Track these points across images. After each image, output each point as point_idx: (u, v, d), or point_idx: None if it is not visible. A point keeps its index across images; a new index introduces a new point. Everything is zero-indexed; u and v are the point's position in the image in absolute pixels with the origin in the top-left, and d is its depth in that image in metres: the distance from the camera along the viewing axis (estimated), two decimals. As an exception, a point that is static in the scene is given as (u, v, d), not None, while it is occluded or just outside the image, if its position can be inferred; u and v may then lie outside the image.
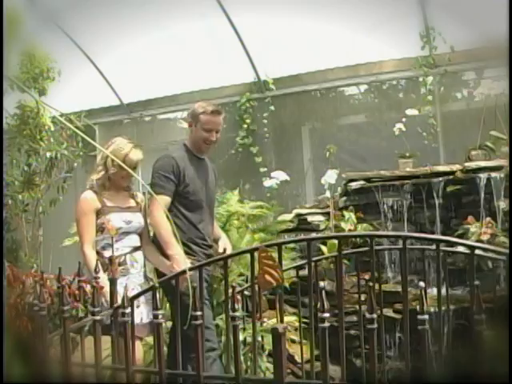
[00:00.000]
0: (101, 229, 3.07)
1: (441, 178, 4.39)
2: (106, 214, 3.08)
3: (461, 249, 2.73)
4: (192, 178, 3.20)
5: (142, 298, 2.88)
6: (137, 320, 2.72)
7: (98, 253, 3.04)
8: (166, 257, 3.02)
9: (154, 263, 3.16)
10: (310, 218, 4.79)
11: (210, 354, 2.88)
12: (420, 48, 5.42)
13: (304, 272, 3.05)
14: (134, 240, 3.17)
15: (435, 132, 5.41)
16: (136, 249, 3.16)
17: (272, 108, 6.15)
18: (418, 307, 1.59)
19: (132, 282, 3.00)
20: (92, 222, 3.07)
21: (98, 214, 3.09)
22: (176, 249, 2.95)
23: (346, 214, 4.45)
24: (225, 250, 3.21)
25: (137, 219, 3.19)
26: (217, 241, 3.31)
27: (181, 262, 2.86)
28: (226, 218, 4.01)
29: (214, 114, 3.27)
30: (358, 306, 2.99)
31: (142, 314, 3.00)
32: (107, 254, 2.98)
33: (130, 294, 2.14)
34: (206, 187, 3.30)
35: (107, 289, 2.51)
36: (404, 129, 4.81)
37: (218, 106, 3.43)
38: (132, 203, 3.25)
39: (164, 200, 3.07)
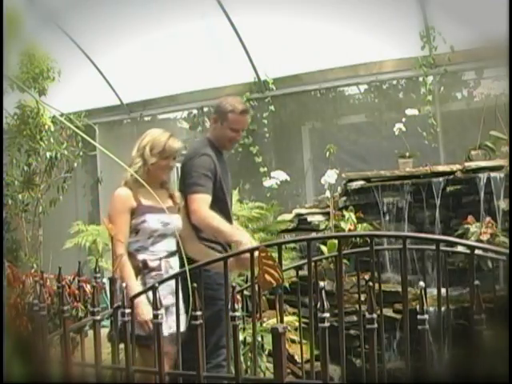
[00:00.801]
0: (135, 230, 2.80)
1: (441, 178, 4.39)
2: (142, 214, 2.81)
3: (461, 249, 2.73)
4: (222, 177, 3.09)
5: (172, 308, 2.62)
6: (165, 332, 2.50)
7: (130, 255, 2.76)
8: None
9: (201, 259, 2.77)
10: (309, 218, 4.79)
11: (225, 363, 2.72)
12: (420, 48, 5.42)
13: (304, 272, 3.05)
14: (171, 244, 2.88)
15: (435, 132, 5.41)
16: (172, 254, 2.87)
17: (272, 108, 6.15)
18: (417, 307, 1.59)
19: (165, 289, 2.56)
20: (127, 221, 2.78)
21: (133, 213, 2.81)
22: (239, 232, 2.89)
23: (346, 213, 4.45)
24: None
25: (175, 221, 2.88)
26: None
27: (247, 244, 2.70)
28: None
29: (243, 113, 3.13)
30: (358, 306, 2.99)
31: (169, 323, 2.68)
32: (141, 257, 2.75)
33: (163, 302, 2.04)
34: (228, 185, 3.21)
35: (142, 299, 2.34)
36: (404, 129, 4.81)
37: (244, 103, 3.30)
38: (169, 203, 2.94)
39: (206, 199, 2.92)
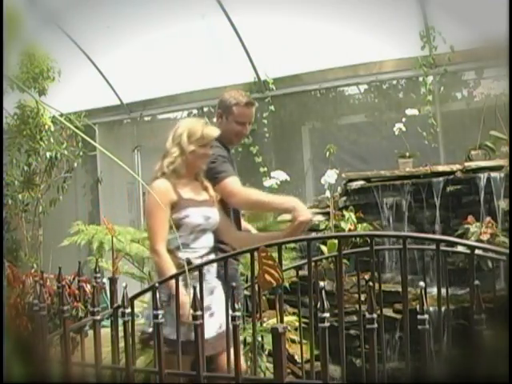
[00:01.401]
0: (177, 225, 2.59)
1: (441, 178, 4.39)
2: (184, 209, 2.63)
3: (461, 249, 2.73)
4: (234, 171, 3.02)
5: (213, 306, 2.59)
6: (211, 332, 2.47)
7: (170, 253, 2.59)
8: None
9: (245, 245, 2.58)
10: (309, 218, 4.78)
11: None
12: (420, 48, 5.42)
13: (304, 272, 3.05)
14: (211, 239, 2.74)
15: (435, 132, 5.41)
16: (212, 250, 2.73)
17: (272, 108, 6.15)
18: (417, 307, 1.59)
19: (207, 288, 2.44)
20: (167, 216, 2.58)
21: (173, 207, 2.63)
22: (287, 199, 2.78)
23: (346, 213, 4.45)
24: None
25: (214, 215, 2.74)
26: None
27: (302, 207, 2.66)
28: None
29: (248, 105, 3.04)
30: (358, 306, 2.99)
31: (216, 323, 2.57)
32: (183, 255, 2.52)
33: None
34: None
35: (187, 300, 2.06)
36: (404, 129, 4.81)
37: (248, 95, 3.22)
38: (205, 196, 2.78)
39: (237, 180, 2.83)
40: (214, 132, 2.79)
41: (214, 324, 2.53)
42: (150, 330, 2.41)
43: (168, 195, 2.63)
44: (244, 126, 3.05)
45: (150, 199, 2.68)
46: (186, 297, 2.25)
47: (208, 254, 2.67)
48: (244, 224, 3.16)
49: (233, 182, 2.82)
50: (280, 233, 2.87)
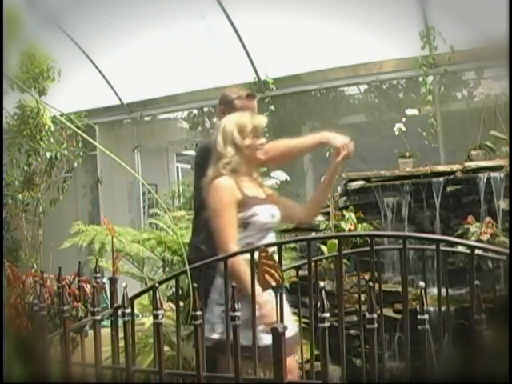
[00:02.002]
0: (244, 224, 2.49)
1: (441, 178, 4.38)
2: (250, 207, 2.51)
3: (461, 249, 2.73)
4: None
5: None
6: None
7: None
8: None
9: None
10: (309, 218, 4.78)
11: None
12: (420, 48, 5.42)
13: (304, 272, 3.05)
14: (272, 238, 2.63)
15: (435, 132, 5.41)
16: (274, 250, 2.56)
17: (272, 108, 6.15)
18: (417, 307, 1.59)
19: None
20: (235, 214, 2.47)
21: (239, 205, 2.50)
22: (315, 134, 2.85)
23: (346, 213, 4.45)
24: None
25: (277, 212, 2.64)
26: None
27: (334, 135, 2.75)
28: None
29: (249, 98, 2.99)
30: (358, 306, 2.99)
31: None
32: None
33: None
34: None
35: (268, 298, 1.95)
36: (404, 129, 4.81)
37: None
38: (263, 193, 2.68)
39: None
40: (263, 120, 2.69)
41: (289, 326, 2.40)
42: (215, 335, 2.35)
43: (234, 193, 2.50)
44: None
45: (215, 198, 2.51)
46: (266, 297, 2.10)
47: (273, 253, 2.55)
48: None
49: None
50: (327, 175, 2.81)
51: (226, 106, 2.99)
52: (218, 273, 2.49)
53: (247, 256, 2.19)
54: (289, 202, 2.84)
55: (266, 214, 2.56)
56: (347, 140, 2.63)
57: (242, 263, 2.28)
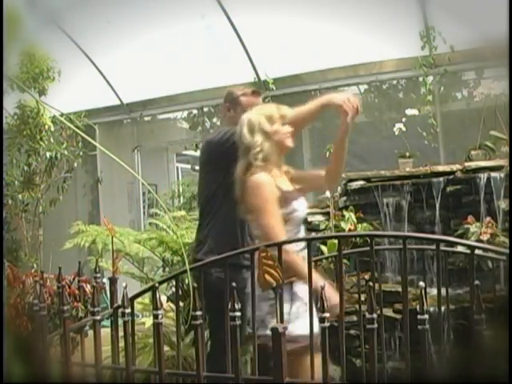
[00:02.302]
0: (285, 220, 2.43)
1: (441, 178, 4.38)
2: (289, 203, 2.46)
3: (461, 249, 2.73)
4: None
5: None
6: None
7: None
8: None
9: None
10: (310, 218, 4.78)
11: None
12: (420, 48, 5.42)
13: (304, 272, 3.05)
14: (303, 231, 2.57)
15: (435, 132, 5.40)
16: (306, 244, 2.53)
17: (272, 108, 6.14)
18: (417, 307, 1.59)
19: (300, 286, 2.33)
20: (279, 211, 2.40)
21: (278, 201, 2.44)
22: (318, 99, 2.74)
23: (346, 214, 4.45)
24: None
25: (305, 205, 2.62)
26: None
27: (334, 95, 2.67)
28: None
29: (254, 94, 2.98)
30: (358, 306, 2.99)
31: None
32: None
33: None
34: None
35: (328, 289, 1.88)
36: (404, 129, 4.81)
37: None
38: (291, 185, 2.61)
39: None
40: (289, 110, 2.64)
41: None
42: (268, 332, 2.25)
43: (274, 189, 2.44)
44: None
45: (257, 195, 2.42)
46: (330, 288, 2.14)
47: (303, 249, 2.44)
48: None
49: None
50: (337, 138, 2.81)
51: (232, 103, 2.99)
52: None
53: (292, 246, 2.29)
54: (308, 174, 2.90)
55: (303, 208, 2.55)
56: (348, 95, 2.61)
57: (298, 257, 2.31)
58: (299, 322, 2.19)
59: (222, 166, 2.78)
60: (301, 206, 2.53)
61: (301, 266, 2.23)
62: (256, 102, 2.99)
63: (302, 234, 2.57)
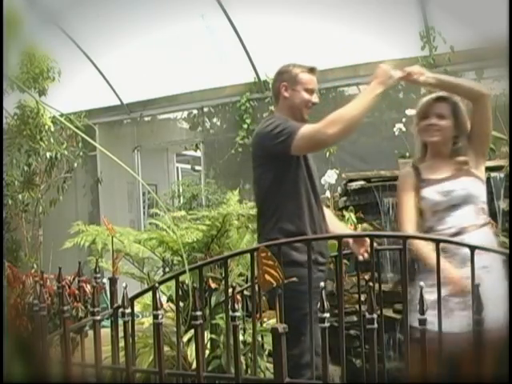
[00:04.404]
0: (419, 210, 2.47)
1: (441, 178, 4.38)
2: (420, 191, 2.48)
3: (461, 249, 2.72)
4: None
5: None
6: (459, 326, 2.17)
7: None
8: None
9: None
10: (310, 218, 4.78)
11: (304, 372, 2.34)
12: (420, 48, 5.42)
13: (304, 272, 3.04)
14: (462, 216, 2.40)
15: (435, 132, 5.40)
16: (463, 230, 2.37)
17: (272, 108, 6.13)
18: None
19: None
20: (411, 200, 2.46)
21: (416, 191, 2.50)
22: (366, 89, 2.94)
23: (346, 214, 4.44)
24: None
25: (459, 186, 2.44)
26: None
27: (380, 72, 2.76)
28: (223, 218, 3.99)
29: (313, 71, 2.77)
30: (358, 306, 2.99)
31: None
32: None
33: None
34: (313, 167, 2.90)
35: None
36: (404, 129, 4.81)
37: None
38: (450, 171, 2.52)
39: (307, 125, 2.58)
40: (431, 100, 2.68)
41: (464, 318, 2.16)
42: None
43: (408, 179, 2.58)
44: (313, 94, 2.76)
45: (397, 186, 2.66)
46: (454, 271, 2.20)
47: (456, 234, 2.37)
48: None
49: (306, 127, 2.53)
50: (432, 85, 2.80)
51: (290, 80, 2.72)
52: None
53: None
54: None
55: (434, 194, 2.46)
56: (387, 68, 2.69)
57: (424, 245, 2.31)
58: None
59: (276, 159, 2.61)
60: (430, 194, 2.47)
61: (423, 251, 2.31)
62: (314, 80, 2.79)
63: (452, 221, 2.42)
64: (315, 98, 2.77)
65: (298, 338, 2.33)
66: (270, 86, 2.85)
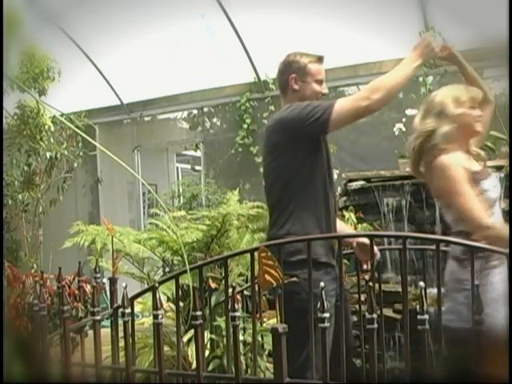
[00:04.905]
0: None
1: (441, 178, 4.38)
2: (479, 183, 2.30)
3: (461, 249, 2.72)
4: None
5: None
6: None
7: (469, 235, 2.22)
8: None
9: None
10: (310, 218, 4.78)
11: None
12: (420, 48, 5.42)
13: (304, 272, 3.04)
14: (497, 213, 2.38)
15: (435, 132, 5.40)
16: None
17: (272, 108, 6.14)
18: (417, 307, 1.59)
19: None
20: (471, 191, 2.26)
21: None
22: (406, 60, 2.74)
23: (346, 214, 4.45)
24: None
25: (495, 180, 2.44)
26: None
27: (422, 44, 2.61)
28: (223, 218, 3.99)
29: (321, 61, 2.72)
30: (358, 306, 2.99)
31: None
32: None
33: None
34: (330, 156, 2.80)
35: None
36: (404, 129, 4.82)
37: None
38: (481, 165, 2.45)
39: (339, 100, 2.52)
40: (479, 92, 2.46)
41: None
42: (464, 324, 2.05)
43: (463, 169, 2.30)
44: (322, 84, 2.72)
45: (449, 177, 2.29)
46: None
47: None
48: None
49: (342, 99, 2.50)
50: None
51: (299, 72, 2.64)
52: (452, 256, 2.32)
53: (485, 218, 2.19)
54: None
55: (493, 188, 2.37)
56: (431, 40, 2.62)
57: (505, 229, 2.19)
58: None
59: (303, 144, 2.50)
60: (492, 186, 2.36)
61: (497, 232, 2.18)
62: (323, 70, 2.76)
63: (497, 216, 2.36)
64: (325, 89, 2.72)
65: (301, 344, 2.18)
66: (276, 77, 2.74)
